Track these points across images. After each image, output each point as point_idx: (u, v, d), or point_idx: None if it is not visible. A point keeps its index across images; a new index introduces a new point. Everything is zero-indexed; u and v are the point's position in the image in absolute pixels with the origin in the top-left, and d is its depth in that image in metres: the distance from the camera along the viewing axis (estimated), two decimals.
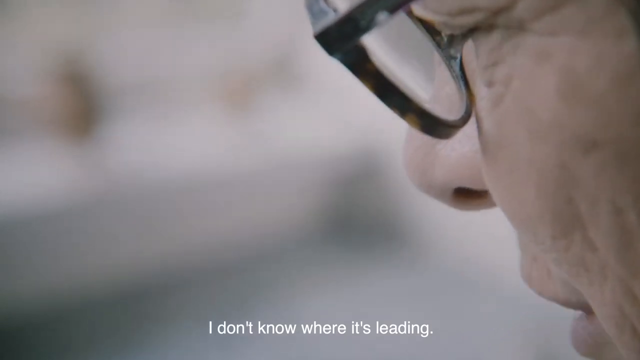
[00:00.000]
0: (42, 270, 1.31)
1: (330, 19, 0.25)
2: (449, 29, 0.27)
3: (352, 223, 1.65)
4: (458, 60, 0.28)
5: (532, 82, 0.24)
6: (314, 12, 0.26)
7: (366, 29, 0.24)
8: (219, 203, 1.49)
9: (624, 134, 0.24)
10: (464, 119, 0.28)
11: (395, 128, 1.48)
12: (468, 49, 0.27)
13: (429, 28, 0.28)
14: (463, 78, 0.28)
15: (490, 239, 1.49)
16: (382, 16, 0.24)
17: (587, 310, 0.28)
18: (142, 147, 1.45)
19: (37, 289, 1.30)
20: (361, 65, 0.25)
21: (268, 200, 1.56)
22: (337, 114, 1.67)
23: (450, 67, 0.29)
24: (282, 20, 1.70)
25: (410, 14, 0.28)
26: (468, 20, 0.25)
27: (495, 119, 0.26)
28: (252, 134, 1.54)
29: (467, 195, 0.30)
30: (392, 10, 0.24)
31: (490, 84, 0.26)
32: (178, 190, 1.44)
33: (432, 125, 0.27)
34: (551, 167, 0.25)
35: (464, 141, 0.28)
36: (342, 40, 0.25)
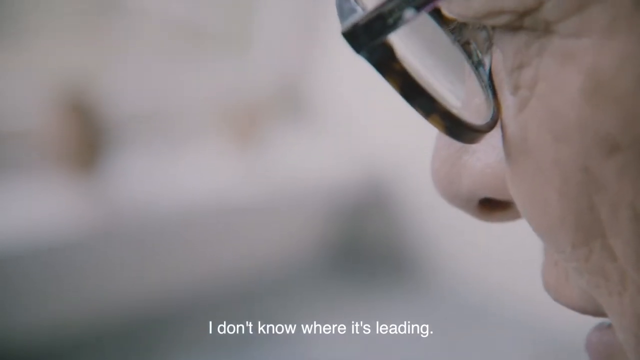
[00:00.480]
0: (46, 302, 1.30)
1: (358, 16, 0.25)
2: (477, 32, 0.27)
3: (358, 252, 1.64)
4: (487, 70, 0.28)
5: (557, 83, 0.24)
6: (343, 10, 0.26)
7: (393, 26, 0.24)
8: (224, 234, 1.48)
9: None
10: (490, 125, 0.27)
11: (401, 158, 1.48)
12: (497, 60, 0.27)
13: (459, 37, 0.28)
14: (491, 87, 0.28)
15: (498, 268, 1.49)
16: (409, 13, 0.24)
17: (603, 319, 0.28)
18: (148, 179, 1.44)
19: (42, 322, 1.29)
20: (388, 64, 0.25)
21: (274, 230, 1.55)
22: (343, 144, 1.66)
23: (478, 76, 0.28)
24: (289, 52, 1.70)
25: (440, 21, 0.28)
26: (495, 22, 0.25)
27: (520, 123, 0.26)
28: (258, 164, 1.53)
29: (492, 207, 0.30)
30: (419, 7, 0.24)
31: (515, 88, 0.26)
32: (184, 222, 1.44)
33: (457, 128, 0.26)
34: (574, 170, 0.25)
35: (490, 151, 0.28)
36: (369, 37, 0.25)
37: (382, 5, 0.24)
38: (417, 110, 0.26)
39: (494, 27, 0.26)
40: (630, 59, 0.23)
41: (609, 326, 0.27)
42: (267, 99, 1.63)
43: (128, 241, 1.38)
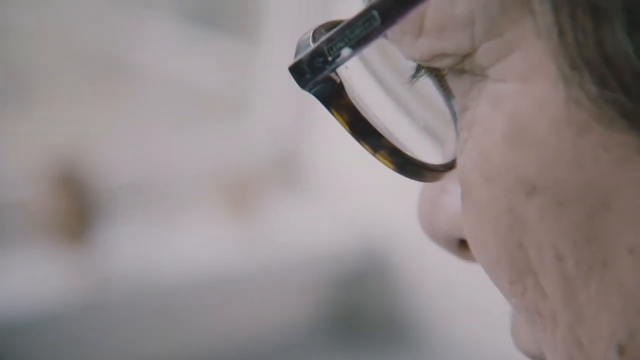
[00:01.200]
0: None
1: (304, 52, 0.26)
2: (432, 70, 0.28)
3: (355, 321, 1.62)
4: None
5: (487, 126, 0.25)
6: (300, 46, 0.27)
7: (332, 63, 0.26)
8: (219, 303, 1.47)
9: (560, 179, 0.24)
10: (449, 165, 0.29)
11: (398, 226, 1.48)
12: None
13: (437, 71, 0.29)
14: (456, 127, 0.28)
15: (500, 334, 1.47)
16: (346, 52, 0.26)
17: None
18: (141, 248, 1.42)
19: None
20: (335, 100, 0.27)
21: (270, 300, 1.53)
22: (340, 212, 1.65)
23: (451, 110, 0.30)
24: (285, 119, 1.70)
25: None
26: (441, 64, 0.26)
27: (460, 165, 0.27)
28: (253, 233, 1.52)
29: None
30: (354, 46, 0.25)
31: (460, 129, 0.27)
32: (177, 292, 1.42)
33: (405, 165, 0.28)
34: (502, 211, 0.25)
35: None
36: (312, 73, 0.26)
37: (322, 42, 0.26)
38: (363, 146, 0.27)
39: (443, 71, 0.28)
40: (545, 105, 0.24)
41: None
42: (263, 166, 1.62)
43: (120, 312, 1.36)
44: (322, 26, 0.27)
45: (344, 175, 1.69)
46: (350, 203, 1.66)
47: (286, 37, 1.57)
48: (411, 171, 0.28)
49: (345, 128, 0.27)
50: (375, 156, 0.28)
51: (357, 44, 0.25)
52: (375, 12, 0.25)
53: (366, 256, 1.64)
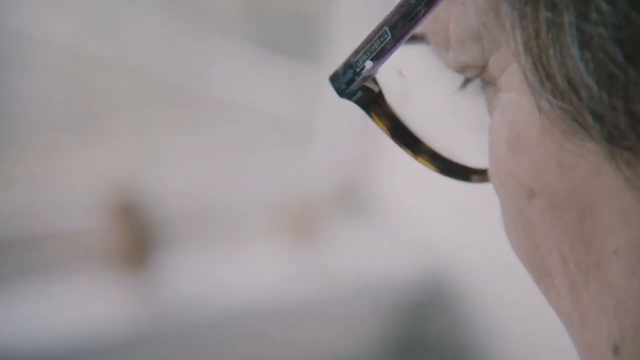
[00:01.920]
0: None
1: (340, 64, 0.30)
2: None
3: (420, 351, 1.60)
4: None
5: (498, 134, 0.27)
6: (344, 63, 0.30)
7: (360, 74, 0.29)
8: (280, 332, 1.45)
9: (551, 183, 0.26)
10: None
11: (463, 254, 1.46)
12: None
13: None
14: None
15: None
16: (369, 64, 0.29)
17: None
18: (201, 277, 1.42)
19: None
20: (374, 107, 0.30)
21: (332, 329, 1.52)
22: (404, 240, 1.63)
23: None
24: (347, 147, 1.69)
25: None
26: (469, 75, 0.28)
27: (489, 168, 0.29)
28: (316, 261, 1.50)
29: None
30: (374, 59, 0.28)
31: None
32: (237, 320, 1.41)
33: (448, 168, 0.30)
34: (515, 213, 0.27)
35: None
36: (345, 83, 0.29)
37: (350, 56, 0.29)
38: (405, 151, 0.30)
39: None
40: (532, 114, 0.25)
41: None
42: (326, 193, 1.61)
43: (179, 341, 1.35)
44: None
45: (407, 203, 1.67)
46: (414, 231, 1.64)
47: None
48: (455, 173, 0.31)
49: (386, 133, 0.30)
50: (417, 159, 0.30)
51: (376, 57, 0.28)
52: (386, 28, 0.28)
53: (430, 285, 1.62)
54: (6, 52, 1.44)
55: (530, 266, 0.28)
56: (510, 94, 0.26)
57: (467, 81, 0.30)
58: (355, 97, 0.30)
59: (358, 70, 0.29)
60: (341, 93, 0.30)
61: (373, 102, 0.30)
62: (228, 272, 1.45)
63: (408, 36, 0.27)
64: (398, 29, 0.27)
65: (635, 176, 0.24)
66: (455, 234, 1.57)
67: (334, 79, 0.30)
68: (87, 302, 1.31)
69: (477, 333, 1.60)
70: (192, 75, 1.60)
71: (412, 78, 0.30)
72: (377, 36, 0.28)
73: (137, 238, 1.30)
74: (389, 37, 0.28)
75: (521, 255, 0.28)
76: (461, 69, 0.28)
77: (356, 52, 0.29)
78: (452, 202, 1.47)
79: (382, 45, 0.28)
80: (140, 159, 1.58)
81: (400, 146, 0.30)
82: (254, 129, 1.71)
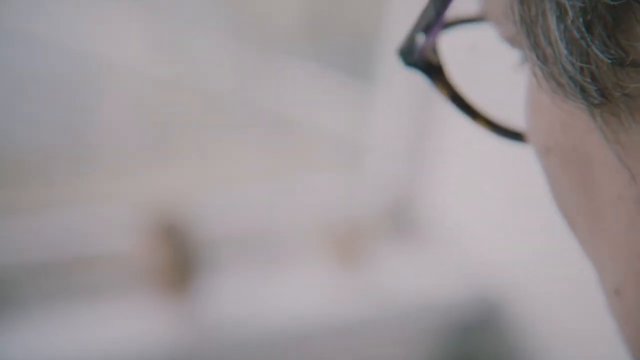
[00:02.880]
0: None
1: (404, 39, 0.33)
2: None
3: None
4: None
5: (527, 99, 0.30)
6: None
7: (415, 47, 0.32)
8: (326, 355, 1.44)
9: (559, 141, 0.29)
10: None
11: (514, 275, 1.43)
12: None
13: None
14: None
15: None
16: (420, 38, 0.32)
17: None
18: (245, 299, 1.41)
19: None
20: (436, 77, 0.33)
21: (381, 351, 1.50)
22: (452, 260, 1.62)
23: None
24: (397, 168, 1.68)
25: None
26: (517, 46, 0.31)
27: None
28: (363, 282, 1.49)
29: None
30: (425, 32, 0.32)
31: None
32: (284, 343, 1.40)
33: (501, 130, 0.34)
34: (542, 168, 0.30)
35: None
36: (409, 54, 0.33)
37: (411, 30, 0.32)
38: (464, 115, 0.34)
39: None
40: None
41: None
42: (374, 213, 1.60)
43: None
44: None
45: (457, 223, 1.66)
46: (464, 251, 1.62)
47: (402, 84, 1.56)
48: (509, 135, 0.34)
49: (450, 102, 0.33)
50: (475, 122, 0.34)
51: (426, 30, 0.32)
52: (431, 3, 0.31)
53: (481, 305, 1.60)
54: (82, 76, 1.46)
55: (562, 214, 0.31)
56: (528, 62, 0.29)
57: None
58: (418, 67, 0.33)
59: (415, 42, 0.32)
60: (407, 64, 0.33)
61: (435, 72, 0.33)
62: (275, 294, 1.45)
63: (446, 9, 0.31)
64: (439, 3, 0.31)
65: (611, 132, 0.27)
66: (506, 254, 1.55)
67: (400, 50, 0.33)
68: (131, 324, 1.31)
69: (529, 354, 1.57)
70: (256, 94, 1.60)
71: (484, 52, 0.34)
72: (426, 10, 0.31)
73: (182, 260, 1.30)
74: (433, 12, 0.31)
75: (555, 203, 0.31)
76: (511, 42, 0.31)
77: (413, 27, 0.32)
78: (502, 222, 1.46)
79: (428, 20, 0.31)
80: (184, 180, 1.59)
81: (462, 112, 0.34)
82: (305, 148, 1.70)
